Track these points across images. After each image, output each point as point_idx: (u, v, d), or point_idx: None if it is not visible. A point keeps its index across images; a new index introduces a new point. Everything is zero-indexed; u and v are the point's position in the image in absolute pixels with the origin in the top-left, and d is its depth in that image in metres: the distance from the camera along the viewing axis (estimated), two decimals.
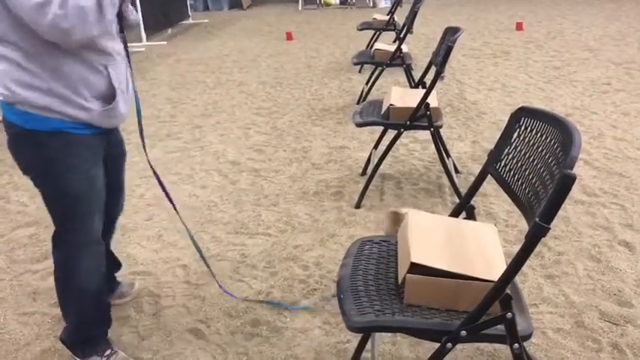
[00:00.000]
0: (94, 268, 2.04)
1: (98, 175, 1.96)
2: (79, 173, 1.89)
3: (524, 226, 2.92)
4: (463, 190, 3.25)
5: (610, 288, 2.45)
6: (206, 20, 10.92)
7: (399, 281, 1.62)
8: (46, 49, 1.69)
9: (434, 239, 1.67)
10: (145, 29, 8.55)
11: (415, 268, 1.55)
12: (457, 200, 3.24)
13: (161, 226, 3.18)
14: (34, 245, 3.04)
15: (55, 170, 1.86)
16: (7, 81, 1.73)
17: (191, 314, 2.42)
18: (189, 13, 10.62)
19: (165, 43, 8.82)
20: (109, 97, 1.86)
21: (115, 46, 1.87)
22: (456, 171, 3.66)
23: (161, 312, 2.44)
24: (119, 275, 2.56)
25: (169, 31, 9.59)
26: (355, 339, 2.15)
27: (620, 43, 6.95)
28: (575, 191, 3.24)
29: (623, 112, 4.57)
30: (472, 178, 3.54)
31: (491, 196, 3.29)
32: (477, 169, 3.70)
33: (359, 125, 3.27)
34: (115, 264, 2.51)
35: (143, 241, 3.03)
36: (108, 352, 2.12)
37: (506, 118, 1.73)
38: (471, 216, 1.90)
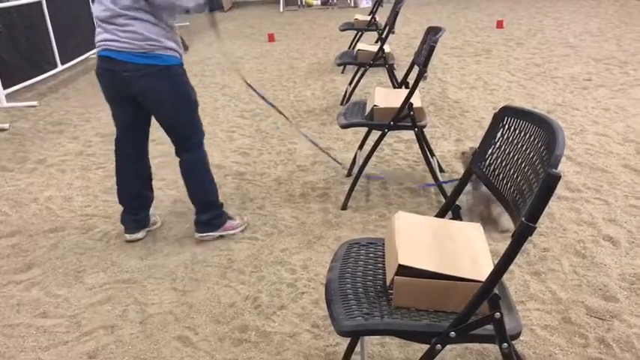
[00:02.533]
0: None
1: None
2: (191, 87, 2.79)
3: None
4: (447, 189, 3.26)
5: (595, 283, 2.47)
6: (187, 23, 10.86)
7: (387, 283, 1.62)
8: (166, 6, 2.55)
9: (421, 241, 1.67)
10: None
11: (403, 270, 1.54)
12: (442, 199, 3.25)
13: (146, 233, 3.15)
14: (16, 255, 2.99)
15: (185, 88, 2.74)
16: (148, 34, 2.55)
17: (178, 321, 2.40)
18: None
19: None
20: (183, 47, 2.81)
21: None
22: (441, 170, 3.67)
23: (148, 320, 2.42)
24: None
25: None
26: (344, 342, 2.15)
27: (599, 39, 7.02)
28: (559, 187, 3.26)
29: (603, 108, 4.62)
30: (456, 177, 3.56)
31: None
32: (461, 167, 3.71)
33: (343, 127, 3.27)
34: (152, 193, 3.13)
35: (128, 248, 3.00)
36: (229, 214, 3.08)
37: (488, 116, 1.75)
38: (457, 216, 1.91)
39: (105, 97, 2.82)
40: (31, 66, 6.26)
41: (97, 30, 2.66)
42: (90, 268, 2.84)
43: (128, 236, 3.06)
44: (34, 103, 5.94)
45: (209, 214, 2.95)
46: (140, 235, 3.07)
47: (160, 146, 4.47)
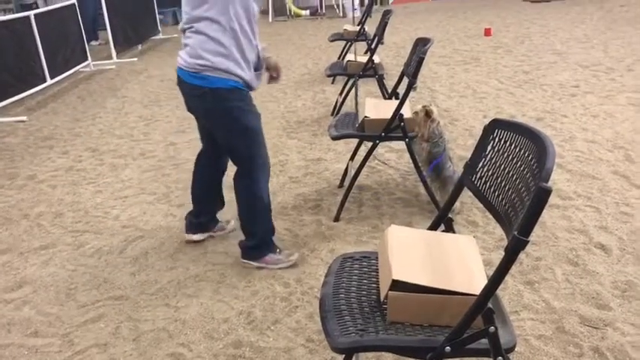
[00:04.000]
0: (267, 182, 2.78)
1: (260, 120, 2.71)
2: (247, 113, 2.63)
3: (502, 232, 2.95)
4: (439, 198, 3.27)
5: (588, 291, 2.48)
6: (176, 35, 10.86)
7: (382, 298, 1.62)
8: (235, 27, 2.45)
9: (414, 255, 1.67)
10: (114, 46, 8.47)
11: (397, 285, 1.54)
12: (434, 208, 3.25)
13: (137, 248, 3.14)
14: (7, 273, 2.97)
15: (235, 114, 2.59)
16: (200, 51, 2.47)
17: (172, 338, 2.38)
18: (159, 28, 10.56)
19: (135, 59, 8.75)
20: (257, 66, 2.66)
21: (258, 30, 2.64)
22: None
23: (141, 337, 2.40)
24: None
25: (139, 47, 9.51)
26: (340, 357, 2.14)
27: (586, 45, 7.09)
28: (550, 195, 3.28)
29: (592, 115, 4.65)
30: (448, 186, 3.56)
31: (468, 202, 3.31)
32: None
33: (335, 138, 3.27)
34: (220, 202, 3.13)
35: (120, 265, 2.99)
36: (277, 249, 2.88)
37: (478, 124, 1.76)
38: (449, 228, 1.91)
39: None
40: (19, 80, 6.23)
41: None
42: (82, 286, 2.82)
43: (186, 236, 3.12)
44: (24, 118, 5.91)
45: (249, 242, 2.85)
46: (196, 237, 3.11)
47: (149, 160, 4.46)
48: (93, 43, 9.76)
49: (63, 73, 7.16)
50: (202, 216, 3.10)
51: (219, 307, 2.57)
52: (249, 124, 2.64)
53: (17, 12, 8.84)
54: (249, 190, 2.74)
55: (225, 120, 2.61)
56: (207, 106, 2.59)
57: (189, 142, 4.80)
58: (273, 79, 2.93)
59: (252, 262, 2.86)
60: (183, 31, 2.57)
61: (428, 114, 3.12)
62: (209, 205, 3.10)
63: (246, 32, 2.52)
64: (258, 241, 2.83)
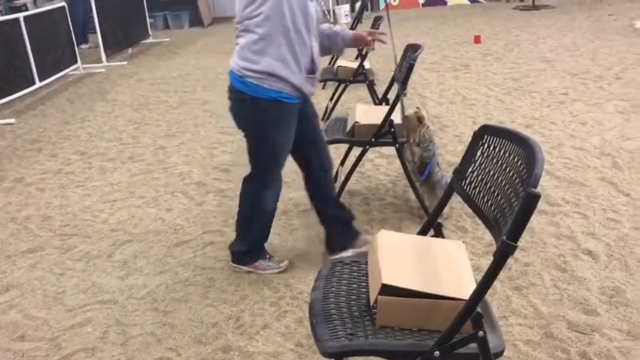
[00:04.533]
0: (275, 199, 2.75)
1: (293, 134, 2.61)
2: (284, 131, 2.55)
3: (491, 237, 2.96)
4: (429, 204, 3.28)
5: (576, 297, 2.49)
6: (167, 39, 10.85)
7: (371, 303, 1.62)
8: (287, 24, 2.33)
9: (404, 259, 1.68)
10: (104, 49, 8.44)
11: (386, 289, 1.55)
12: (423, 214, 3.26)
13: (126, 252, 3.12)
14: None
15: (268, 129, 2.51)
16: (247, 52, 2.39)
17: (160, 342, 2.37)
18: (150, 32, 10.53)
19: (125, 63, 8.72)
20: (310, 70, 2.49)
21: (316, 31, 2.51)
22: None
23: (129, 341, 2.39)
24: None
25: (129, 50, 9.48)
26: None
27: (574, 53, 7.15)
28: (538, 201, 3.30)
29: (580, 122, 4.70)
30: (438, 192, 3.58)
31: (457, 208, 3.33)
32: None
33: (325, 143, 3.27)
34: (344, 209, 2.92)
35: (108, 268, 2.97)
36: (267, 255, 2.84)
37: (468, 131, 1.78)
38: (439, 233, 1.92)
39: None
40: (8, 83, 6.19)
41: None
42: (70, 289, 2.80)
43: (330, 258, 2.78)
44: (12, 120, 5.87)
45: (241, 246, 2.81)
46: (343, 254, 2.80)
47: (138, 164, 4.45)
48: (83, 46, 9.72)
49: (52, 75, 7.12)
50: (335, 228, 2.90)
51: (208, 311, 2.56)
52: (278, 140, 2.56)
53: (6, 14, 8.79)
54: (255, 197, 2.70)
55: (256, 131, 2.54)
56: (244, 113, 2.52)
57: (179, 146, 4.79)
58: (371, 42, 2.79)
59: (242, 267, 2.84)
60: (235, 31, 2.49)
61: (420, 119, 3.13)
62: (334, 215, 2.89)
63: (300, 33, 2.39)
64: (249, 247, 2.81)
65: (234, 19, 2.51)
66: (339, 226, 2.88)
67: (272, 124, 2.51)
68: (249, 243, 2.81)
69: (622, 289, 2.53)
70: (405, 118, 3.18)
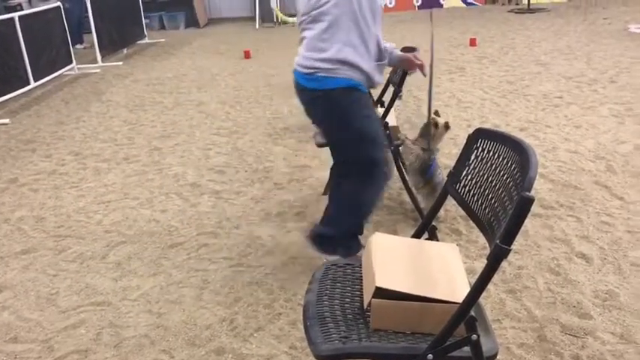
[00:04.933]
0: (380, 188, 2.56)
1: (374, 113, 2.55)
2: (368, 118, 2.46)
3: (485, 241, 2.97)
4: (425, 205, 3.28)
5: (570, 300, 2.50)
6: (162, 39, 10.83)
7: (365, 306, 1.62)
8: (355, 9, 2.30)
9: (397, 262, 1.68)
10: (99, 50, 8.42)
11: (380, 292, 1.55)
12: (418, 216, 3.26)
13: (120, 254, 3.11)
14: None
15: (352, 118, 2.42)
16: (318, 42, 2.33)
17: (154, 344, 2.36)
18: (145, 32, 10.51)
19: (121, 63, 8.70)
20: (379, 57, 2.46)
21: (380, 19, 2.50)
22: None
23: (122, 343, 2.38)
24: None
25: (125, 51, 9.46)
26: None
27: (569, 57, 7.17)
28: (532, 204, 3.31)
29: (575, 125, 4.71)
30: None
31: (452, 211, 3.33)
32: None
33: (320, 146, 3.28)
34: None
35: (102, 270, 2.96)
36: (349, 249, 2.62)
37: (462, 133, 1.79)
38: (433, 236, 1.92)
39: None
40: (2, 83, 6.17)
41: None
42: (63, 291, 2.79)
43: (323, 256, 2.73)
44: (6, 120, 5.85)
45: (328, 230, 2.61)
46: (332, 258, 2.60)
47: (133, 165, 4.44)
48: (78, 46, 9.69)
49: (47, 76, 7.10)
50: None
51: (202, 313, 2.55)
52: (366, 131, 2.44)
53: (1, 14, 8.76)
54: (355, 190, 2.53)
55: (337, 123, 2.44)
56: (319, 110, 2.46)
57: (174, 147, 4.78)
58: (419, 66, 2.68)
59: (316, 249, 2.65)
60: (299, 25, 2.43)
61: (446, 126, 3.17)
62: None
63: (366, 19, 2.34)
64: (336, 237, 2.61)
65: (298, 14, 2.45)
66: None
67: (350, 112, 2.41)
68: (341, 234, 2.62)
69: (615, 292, 2.54)
70: (432, 125, 3.16)
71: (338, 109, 2.40)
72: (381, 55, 2.49)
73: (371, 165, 2.47)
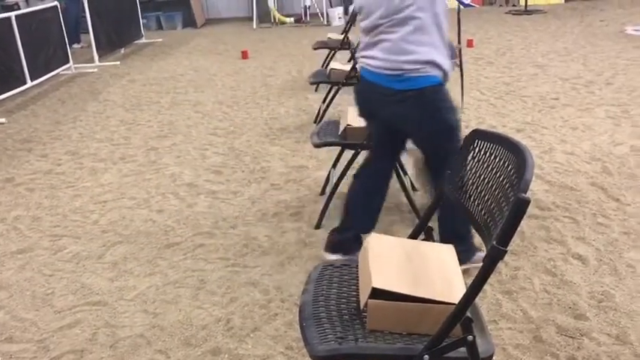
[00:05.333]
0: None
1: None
2: (454, 112, 2.51)
3: (481, 241, 2.97)
4: (420, 207, 3.29)
5: (566, 302, 2.50)
6: (160, 39, 10.82)
7: (361, 306, 1.62)
8: (438, 11, 2.35)
9: (394, 263, 1.68)
10: (97, 49, 8.40)
11: (376, 293, 1.55)
12: (414, 217, 3.27)
13: (116, 253, 3.11)
14: None
15: (444, 115, 2.48)
16: (404, 44, 2.34)
17: (150, 344, 2.36)
18: (142, 32, 10.50)
19: (118, 63, 8.68)
20: (451, 54, 2.49)
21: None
22: (413, 188, 3.70)
23: (118, 343, 2.38)
24: None
25: (122, 50, 9.45)
26: None
27: (566, 59, 7.19)
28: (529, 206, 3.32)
29: (571, 127, 4.72)
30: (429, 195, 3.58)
31: None
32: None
33: (317, 146, 3.28)
34: (373, 221, 2.87)
35: (98, 270, 2.95)
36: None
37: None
38: (429, 237, 1.92)
39: (359, 112, 2.76)
40: None
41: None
42: (59, 291, 2.78)
43: (324, 254, 2.85)
44: (2, 120, 5.83)
45: (461, 246, 2.58)
46: (334, 257, 2.76)
47: (129, 164, 4.43)
48: (75, 45, 9.67)
49: (44, 75, 7.08)
50: (347, 233, 2.81)
51: (198, 313, 2.55)
52: (453, 123, 2.51)
53: None
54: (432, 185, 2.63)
55: (429, 122, 2.46)
56: (413, 109, 2.44)
57: (171, 147, 4.78)
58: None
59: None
60: (373, 28, 2.41)
61: None
62: (362, 222, 2.81)
63: (444, 21, 2.40)
64: (468, 245, 2.69)
65: (368, 17, 2.43)
66: (359, 231, 2.84)
67: (441, 107, 2.46)
68: (467, 242, 2.69)
69: (611, 293, 2.54)
70: None
71: (430, 106, 2.45)
72: (452, 52, 2.58)
73: (450, 154, 2.48)
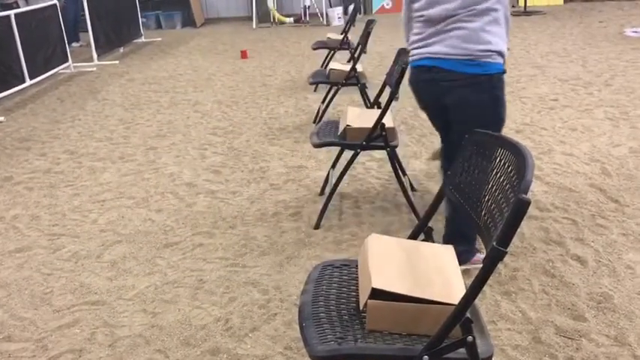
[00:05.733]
0: None
1: None
2: (505, 105, 2.59)
3: (479, 242, 2.98)
4: (419, 208, 3.29)
5: (564, 303, 2.51)
6: (159, 39, 10.81)
7: (361, 307, 1.62)
8: (507, 4, 2.48)
9: (394, 263, 1.68)
10: (96, 48, 8.40)
11: (376, 293, 1.55)
12: (414, 218, 3.27)
13: (115, 253, 3.10)
14: None
15: (499, 105, 2.55)
16: (483, 34, 2.42)
17: (149, 344, 2.36)
18: (142, 31, 10.49)
19: (117, 62, 8.68)
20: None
21: None
22: (412, 189, 3.70)
23: (117, 343, 2.37)
24: None
25: (121, 50, 9.44)
26: None
27: (565, 60, 7.20)
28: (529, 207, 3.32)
29: (570, 128, 4.73)
30: (428, 196, 3.59)
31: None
32: (432, 186, 3.75)
33: (316, 146, 3.28)
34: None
35: (97, 269, 2.95)
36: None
37: None
38: (429, 238, 1.92)
39: (419, 105, 2.81)
40: None
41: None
42: (57, 290, 2.78)
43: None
44: (1, 118, 5.83)
45: (464, 246, 2.63)
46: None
47: (128, 164, 4.43)
48: (74, 44, 9.67)
49: (43, 74, 7.08)
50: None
51: (197, 313, 2.55)
52: (503, 116, 2.58)
53: None
54: None
55: (489, 109, 2.52)
56: (480, 94, 2.49)
57: (170, 147, 4.78)
58: None
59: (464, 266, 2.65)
60: (447, 17, 2.45)
61: None
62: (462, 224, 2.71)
63: (508, 13, 2.52)
64: (470, 246, 2.74)
65: (440, 5, 2.47)
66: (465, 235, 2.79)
67: (501, 96, 2.54)
68: (470, 241, 2.74)
69: (610, 294, 2.54)
70: None
71: (494, 92, 2.52)
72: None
73: None
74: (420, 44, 2.57)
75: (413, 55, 2.62)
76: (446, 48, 2.47)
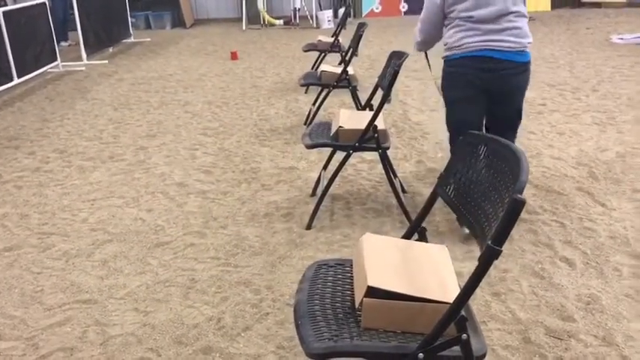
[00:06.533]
0: None
1: None
2: None
3: (469, 244, 3.00)
4: (410, 209, 3.32)
5: (553, 304, 2.54)
6: (148, 39, 10.77)
7: (356, 305, 1.63)
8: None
9: (389, 262, 1.70)
10: (85, 48, 8.35)
11: (372, 291, 1.56)
12: (405, 219, 3.29)
13: (106, 252, 3.09)
14: None
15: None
16: (528, 31, 3.04)
17: (141, 343, 2.35)
18: (131, 31, 10.45)
19: (106, 62, 8.64)
20: None
21: None
22: (403, 190, 3.73)
23: (109, 341, 2.37)
24: None
25: (110, 49, 9.40)
26: None
27: (552, 65, 7.27)
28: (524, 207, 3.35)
29: (558, 132, 4.78)
30: (418, 198, 3.62)
31: (437, 214, 3.36)
32: (422, 188, 3.78)
33: (309, 147, 3.29)
34: None
35: (87, 268, 2.94)
36: None
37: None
38: (422, 238, 1.94)
39: (460, 95, 3.17)
40: None
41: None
42: (48, 288, 2.77)
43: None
44: None
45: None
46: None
47: (118, 163, 4.41)
48: (63, 43, 9.61)
49: (31, 72, 7.03)
50: None
51: (189, 312, 2.55)
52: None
53: None
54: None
55: (526, 89, 3.14)
56: (526, 80, 3.10)
57: (160, 147, 4.76)
58: None
59: None
60: (501, 17, 2.94)
61: None
62: None
63: None
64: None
65: (498, 7, 2.95)
66: None
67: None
68: None
69: (598, 296, 2.58)
70: None
71: (529, 76, 3.14)
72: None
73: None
74: (477, 39, 2.98)
75: (467, 47, 3.00)
76: (506, 43, 2.96)
